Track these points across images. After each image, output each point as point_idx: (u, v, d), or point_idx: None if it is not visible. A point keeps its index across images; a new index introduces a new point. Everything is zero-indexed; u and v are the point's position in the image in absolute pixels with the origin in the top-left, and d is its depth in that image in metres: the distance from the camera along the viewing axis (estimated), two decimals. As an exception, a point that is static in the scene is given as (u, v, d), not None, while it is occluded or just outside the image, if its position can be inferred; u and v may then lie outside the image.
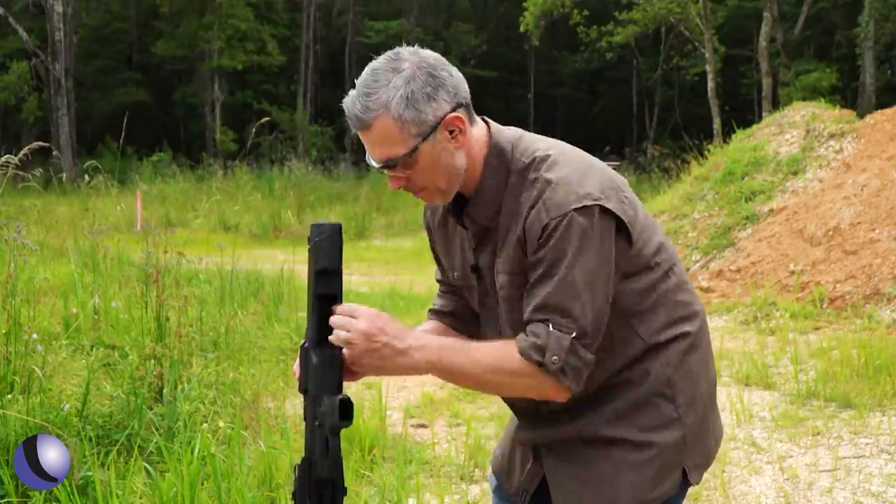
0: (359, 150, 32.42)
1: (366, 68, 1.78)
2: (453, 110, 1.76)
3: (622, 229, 1.77)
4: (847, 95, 27.46)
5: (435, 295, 2.12)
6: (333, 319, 1.74)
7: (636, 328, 1.84)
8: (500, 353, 1.77)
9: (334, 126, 32.23)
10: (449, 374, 1.79)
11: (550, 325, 1.72)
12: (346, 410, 1.74)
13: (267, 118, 11.75)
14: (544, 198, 1.74)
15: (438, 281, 2.09)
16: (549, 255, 1.73)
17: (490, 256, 1.87)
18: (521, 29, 27.04)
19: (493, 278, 1.88)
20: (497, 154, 1.83)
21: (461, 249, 1.94)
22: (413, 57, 1.76)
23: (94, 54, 33.09)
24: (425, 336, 1.81)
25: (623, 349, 1.84)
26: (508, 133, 1.88)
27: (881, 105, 17.99)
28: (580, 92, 37.77)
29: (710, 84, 22.49)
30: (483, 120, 1.88)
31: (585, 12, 28.01)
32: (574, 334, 1.71)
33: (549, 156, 1.81)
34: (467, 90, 1.81)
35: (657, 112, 33.66)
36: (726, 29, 30.29)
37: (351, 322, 1.72)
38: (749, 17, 30.09)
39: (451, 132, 1.77)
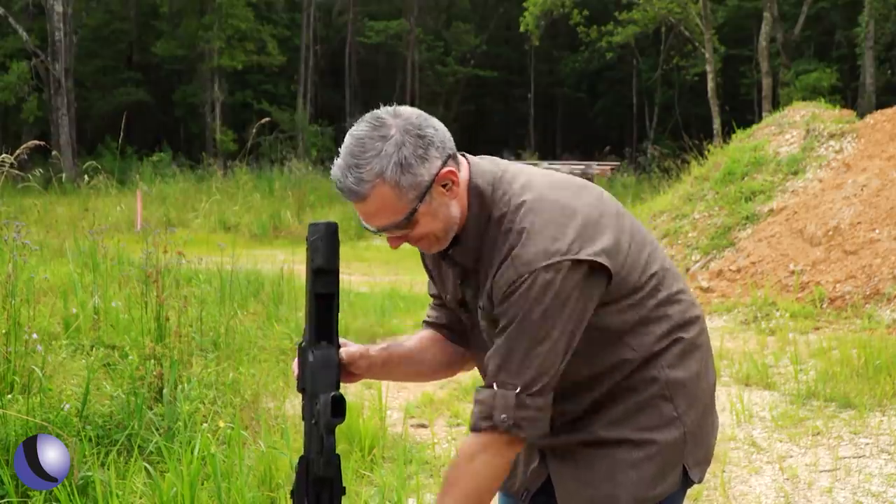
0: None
1: (347, 137, 1.75)
2: (444, 164, 1.76)
3: (600, 269, 1.76)
4: (847, 95, 27.47)
5: (428, 306, 2.12)
6: None
7: (629, 343, 1.85)
8: (456, 464, 1.80)
9: (334, 126, 32.24)
10: None
11: (495, 386, 1.75)
12: (338, 407, 1.75)
13: (267, 118, 11.75)
14: (514, 254, 1.74)
15: (431, 295, 2.10)
16: (510, 311, 1.74)
17: (474, 294, 1.89)
18: (521, 29, 27.05)
19: (476, 313, 1.90)
20: (476, 196, 1.82)
21: (452, 281, 1.96)
22: (397, 120, 1.74)
23: (94, 54, 33.09)
24: None
25: (618, 364, 1.85)
26: (488, 172, 1.84)
27: (881, 105, 18.00)
28: (580, 92, 37.76)
29: (710, 84, 22.49)
30: (463, 156, 1.86)
31: (585, 12, 28.03)
32: (518, 389, 1.73)
33: (524, 202, 1.78)
34: (451, 139, 1.80)
35: (657, 112, 33.66)
36: (726, 29, 30.28)
37: None
38: (749, 17, 30.10)
39: (444, 186, 1.77)
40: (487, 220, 1.81)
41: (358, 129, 1.74)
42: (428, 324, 2.10)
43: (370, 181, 1.71)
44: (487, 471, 1.78)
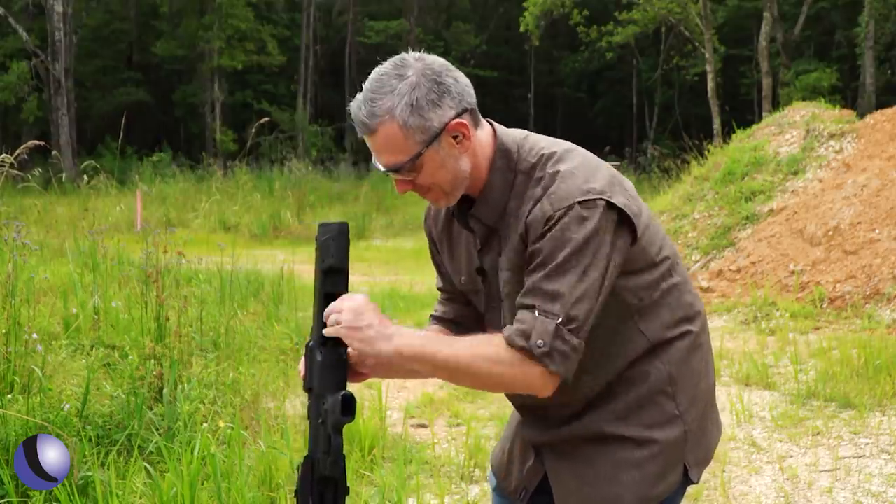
0: (359, 151, 32.44)
1: (372, 73, 1.79)
2: (458, 116, 1.78)
3: (627, 224, 1.77)
4: (847, 95, 27.48)
5: (436, 301, 2.12)
6: (332, 304, 1.77)
7: (639, 324, 1.85)
8: (484, 341, 1.77)
9: (334, 126, 32.24)
10: (432, 361, 1.76)
11: (536, 311, 1.72)
12: (348, 406, 1.75)
13: (267, 118, 11.76)
14: (549, 191, 1.76)
15: (440, 289, 2.10)
16: (548, 244, 1.73)
17: (495, 257, 1.88)
18: (521, 29, 27.05)
19: (497, 279, 1.88)
20: (503, 155, 1.85)
21: (467, 253, 1.95)
22: (418, 63, 1.77)
23: (94, 54, 33.10)
24: (409, 329, 1.82)
25: (626, 346, 1.85)
26: (514, 134, 1.89)
27: (881, 105, 18.01)
28: (580, 92, 37.77)
29: (710, 84, 22.49)
30: (489, 122, 1.89)
31: (585, 12, 28.03)
32: (560, 319, 1.71)
33: (555, 152, 1.83)
34: (473, 95, 1.82)
35: (657, 112, 33.67)
36: (726, 29, 30.29)
37: (343, 301, 1.76)
38: (749, 17, 30.11)
39: (455, 137, 1.79)
40: (514, 175, 1.83)
41: (381, 67, 1.78)
42: (435, 318, 2.10)
43: (380, 116, 1.74)
44: (503, 380, 1.75)
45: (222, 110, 30.65)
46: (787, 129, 12.15)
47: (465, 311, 2.05)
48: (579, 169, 1.79)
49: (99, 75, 33.11)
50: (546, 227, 1.74)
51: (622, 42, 29.30)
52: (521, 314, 1.74)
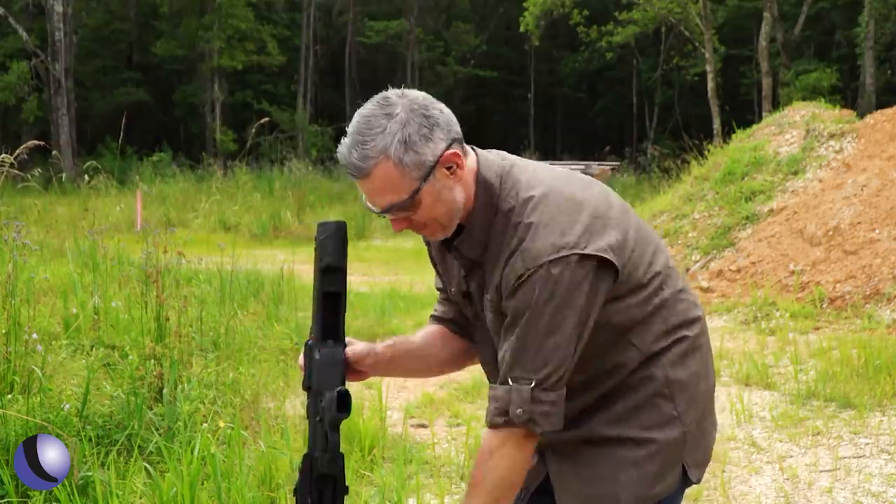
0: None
1: (355, 116, 1.77)
2: (449, 147, 1.77)
3: (607, 265, 1.76)
4: (847, 95, 27.47)
5: (436, 301, 2.13)
6: None
7: (632, 340, 1.85)
8: (477, 462, 1.82)
9: (334, 126, 32.23)
10: None
11: (510, 381, 1.76)
12: (343, 403, 1.76)
13: (267, 118, 11.76)
14: (522, 247, 1.75)
15: (438, 289, 2.10)
16: (517, 305, 1.75)
17: (479, 286, 1.89)
18: (521, 29, 27.05)
19: (481, 304, 1.90)
20: (484, 189, 1.83)
21: (456, 271, 1.96)
22: (403, 100, 1.76)
23: (94, 54, 33.09)
24: None
25: (621, 362, 1.86)
26: (496, 165, 1.86)
27: (881, 105, 18.00)
28: (580, 92, 37.76)
29: (710, 84, 22.49)
30: (472, 149, 1.88)
31: (585, 12, 28.03)
32: (532, 384, 1.74)
33: (531, 197, 1.79)
34: (457, 124, 1.81)
35: (657, 112, 33.66)
36: (726, 29, 30.29)
37: None
38: (749, 17, 30.10)
39: (448, 168, 1.78)
40: (495, 213, 1.82)
41: (365, 108, 1.77)
42: (435, 318, 2.10)
43: (374, 158, 1.72)
44: (508, 464, 1.79)
45: (222, 110, 30.65)
46: (787, 129, 12.15)
47: (464, 313, 2.06)
48: (555, 219, 1.75)
49: (99, 75, 33.10)
50: (516, 286, 1.75)
51: (622, 42, 29.29)
52: (496, 391, 1.78)
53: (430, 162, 1.75)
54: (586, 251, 1.73)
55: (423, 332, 2.10)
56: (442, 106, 1.80)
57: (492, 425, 1.78)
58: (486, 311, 1.88)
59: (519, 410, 1.74)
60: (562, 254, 1.72)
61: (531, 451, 1.81)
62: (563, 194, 1.80)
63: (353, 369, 1.93)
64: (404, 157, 1.72)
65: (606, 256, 1.75)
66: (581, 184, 1.86)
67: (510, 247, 1.78)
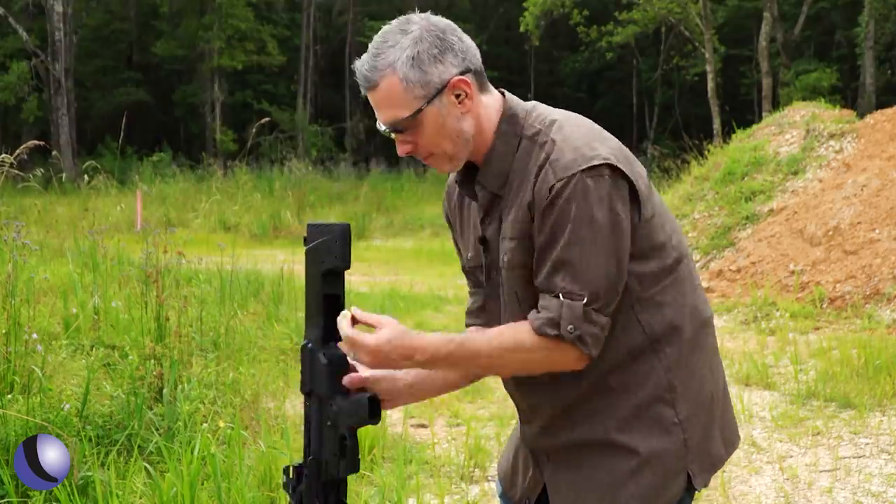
0: (358, 151, 32.44)
1: (379, 31, 1.79)
2: (461, 74, 1.76)
3: (633, 196, 1.73)
4: (847, 95, 27.48)
5: (467, 302, 2.07)
6: (346, 333, 1.74)
7: (638, 315, 1.79)
8: (515, 332, 1.75)
9: (334, 126, 32.23)
10: (468, 358, 1.76)
11: (560, 296, 1.70)
12: (374, 408, 1.74)
13: (267, 118, 11.75)
14: (552, 159, 1.72)
15: (464, 273, 2.04)
16: (556, 217, 1.70)
17: (497, 226, 1.84)
18: (521, 29, 27.05)
19: (498, 249, 1.84)
20: (509, 119, 1.82)
21: (473, 226, 1.92)
22: (423, 21, 1.76)
23: (94, 54, 33.10)
24: (433, 339, 1.77)
25: (623, 336, 1.79)
26: (522, 102, 1.87)
27: (881, 105, 18.01)
28: (580, 92, 37.76)
29: (710, 84, 22.49)
30: (500, 91, 1.87)
31: (585, 12, 28.03)
32: (585, 300, 1.69)
33: (557, 120, 1.80)
34: (478, 57, 1.80)
35: (657, 112, 33.67)
36: (726, 29, 30.29)
37: (363, 339, 1.71)
38: (749, 17, 30.11)
39: (457, 96, 1.76)
40: (519, 140, 1.80)
41: (387, 25, 1.78)
42: (469, 314, 2.04)
43: (381, 70, 1.72)
44: (542, 365, 1.75)
45: (222, 110, 30.66)
46: (787, 129, 12.15)
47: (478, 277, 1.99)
48: (584, 135, 1.75)
49: (99, 75, 33.11)
50: (551, 199, 1.70)
51: (622, 42, 29.30)
52: (545, 301, 1.72)
53: (437, 84, 1.73)
54: (619, 166, 1.71)
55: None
56: (464, 36, 1.79)
57: (539, 332, 1.71)
58: (504, 240, 1.81)
59: (570, 326, 1.69)
60: (593, 163, 1.69)
61: (570, 367, 1.75)
62: (589, 123, 1.82)
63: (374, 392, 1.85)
64: (410, 74, 1.72)
65: (635, 183, 1.73)
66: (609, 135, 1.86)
67: (538, 162, 1.74)
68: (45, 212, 10.60)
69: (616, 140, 1.82)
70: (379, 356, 1.71)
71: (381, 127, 1.79)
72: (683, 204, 11.82)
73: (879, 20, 25.50)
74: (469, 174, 1.87)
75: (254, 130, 9.62)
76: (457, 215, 1.99)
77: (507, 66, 37.22)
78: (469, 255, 1.95)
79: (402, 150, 1.81)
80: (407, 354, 1.71)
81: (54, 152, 13.99)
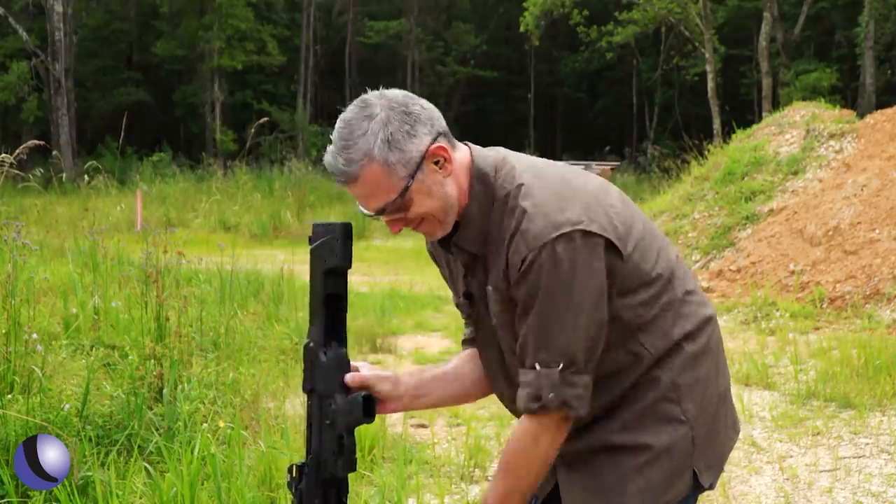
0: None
1: (338, 121, 1.76)
2: (434, 141, 1.75)
3: (610, 247, 1.73)
4: (847, 95, 27.48)
5: (464, 324, 2.09)
6: None
7: (641, 340, 1.81)
8: (513, 440, 1.80)
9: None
10: (508, 489, 1.81)
11: (537, 366, 1.72)
12: (369, 407, 1.75)
13: (267, 118, 11.75)
14: (522, 229, 1.72)
15: (456, 307, 2.06)
16: (528, 288, 1.71)
17: (481, 281, 1.86)
18: (521, 29, 27.06)
19: (484, 303, 1.87)
20: (479, 179, 1.81)
21: (458, 276, 1.94)
22: (382, 100, 1.75)
23: (94, 54, 33.10)
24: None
25: (631, 364, 1.82)
26: (490, 157, 1.84)
27: (881, 105, 18.01)
28: (580, 92, 37.78)
29: (710, 84, 22.50)
30: (465, 144, 1.86)
31: (585, 12, 28.05)
32: (560, 366, 1.71)
33: (525, 183, 1.78)
34: (442, 119, 1.79)
35: (657, 112, 33.68)
36: (726, 29, 30.30)
37: None
38: (749, 17, 30.12)
39: (436, 163, 1.76)
40: (492, 201, 1.80)
41: (345, 113, 1.76)
42: (466, 342, 2.06)
43: (359, 161, 1.71)
44: (552, 451, 1.78)
45: (222, 110, 30.66)
46: (787, 129, 12.15)
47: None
48: (551, 200, 1.73)
49: (99, 75, 33.12)
50: (523, 270, 1.71)
51: (622, 42, 29.32)
52: (524, 376, 1.75)
53: (416, 158, 1.73)
54: (590, 228, 1.71)
55: (455, 357, 2.07)
56: (423, 102, 1.78)
57: (527, 411, 1.74)
58: (490, 304, 1.84)
59: (552, 395, 1.71)
60: (563, 230, 1.69)
61: (566, 434, 1.79)
62: (559, 179, 1.80)
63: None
64: (389, 157, 1.71)
65: (608, 237, 1.72)
66: (578, 174, 1.85)
67: (510, 230, 1.75)
68: (45, 212, 10.61)
69: (588, 185, 1.80)
70: None
71: (367, 212, 1.78)
72: (683, 204, 11.82)
73: (879, 20, 25.50)
74: (446, 234, 1.86)
75: (254, 130, 9.62)
76: (441, 254, 2.00)
77: (507, 66, 37.25)
78: (459, 299, 1.96)
79: (394, 229, 1.82)
80: None
81: (54, 152, 14.01)
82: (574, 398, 1.72)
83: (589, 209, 1.74)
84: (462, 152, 1.83)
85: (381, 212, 1.76)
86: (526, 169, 1.81)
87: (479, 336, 1.95)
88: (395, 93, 1.77)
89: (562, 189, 1.77)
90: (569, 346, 1.71)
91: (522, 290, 1.73)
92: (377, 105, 1.73)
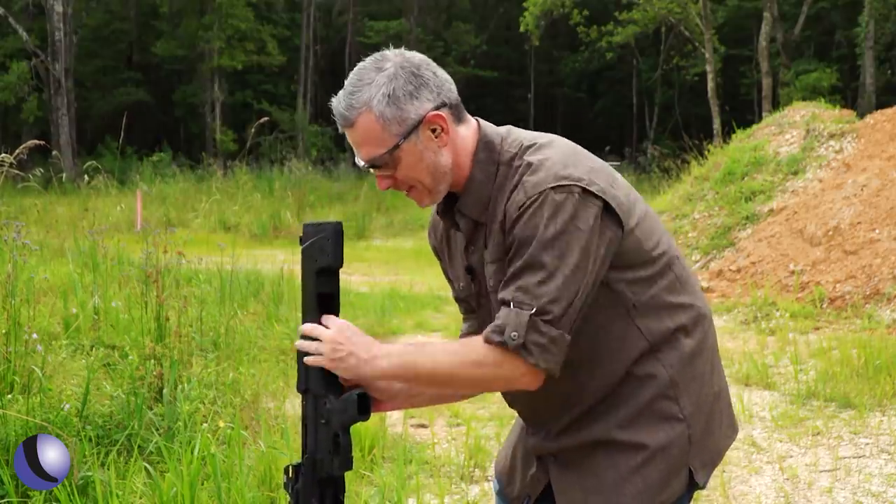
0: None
1: (353, 69, 1.80)
2: (436, 109, 1.77)
3: (610, 212, 1.73)
4: (847, 95, 27.48)
5: (462, 321, 2.10)
6: (303, 327, 1.77)
7: (636, 321, 1.80)
8: (464, 345, 1.77)
9: (334, 126, 32.12)
10: (415, 376, 1.77)
11: (511, 304, 1.71)
12: (364, 405, 1.75)
13: (267, 118, 11.75)
14: (524, 180, 1.74)
15: (456, 301, 2.06)
16: (521, 233, 1.72)
17: (481, 252, 1.86)
18: (521, 29, 27.06)
19: (484, 275, 1.86)
20: (485, 147, 1.83)
21: (460, 256, 1.94)
22: (397, 57, 1.78)
23: (94, 54, 33.10)
24: (392, 345, 1.81)
25: (625, 345, 1.81)
26: (498, 129, 1.88)
27: (881, 105, 18.01)
28: (580, 92, 37.77)
29: (710, 84, 22.50)
30: (475, 119, 1.88)
31: (585, 12, 28.04)
32: (533, 310, 1.68)
33: (535, 143, 1.81)
34: (453, 90, 1.81)
35: (657, 112, 33.67)
36: (726, 29, 30.30)
37: (319, 329, 1.75)
38: (749, 17, 30.11)
39: (433, 131, 1.78)
40: (497, 166, 1.82)
41: (361, 63, 1.80)
42: (463, 337, 2.04)
43: (357, 108, 1.75)
44: (487, 386, 1.79)
45: (222, 110, 30.65)
46: (787, 129, 12.16)
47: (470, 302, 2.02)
48: (558, 156, 1.76)
49: (99, 75, 33.11)
50: (519, 215, 1.72)
51: (622, 42, 29.30)
52: (500, 311, 1.73)
53: (413, 120, 1.75)
54: (591, 188, 1.71)
55: None
56: (439, 69, 1.80)
57: (486, 339, 1.71)
58: (486, 265, 1.84)
59: (514, 333, 1.68)
60: (564, 182, 1.70)
61: (516, 381, 1.74)
62: (567, 145, 1.83)
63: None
64: (385, 111, 1.73)
65: (610, 202, 1.73)
66: (590, 154, 1.86)
67: (512, 183, 1.77)
68: (45, 212, 10.60)
69: (595, 160, 1.82)
70: (336, 346, 1.72)
71: (360, 163, 1.80)
72: (683, 204, 11.82)
73: (879, 20, 25.49)
74: (450, 204, 1.88)
75: (254, 130, 9.62)
76: (444, 247, 2.00)
77: (507, 66, 37.25)
78: (461, 284, 1.96)
79: (381, 184, 1.84)
80: (366, 345, 1.73)
81: (54, 152, 14.00)
82: (535, 345, 1.69)
83: (593, 173, 1.75)
84: (470, 126, 1.85)
85: (369, 163, 1.79)
86: (534, 135, 1.85)
87: (479, 315, 1.94)
88: (413, 54, 1.80)
89: (569, 153, 1.80)
90: (547, 294, 1.69)
91: (516, 234, 1.73)
92: (391, 60, 1.77)
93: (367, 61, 1.78)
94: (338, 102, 1.78)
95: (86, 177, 8.41)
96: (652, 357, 1.82)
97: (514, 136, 1.85)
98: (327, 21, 37.30)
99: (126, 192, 15.75)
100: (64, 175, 13.39)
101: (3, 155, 4.96)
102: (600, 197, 1.72)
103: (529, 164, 1.76)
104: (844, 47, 29.87)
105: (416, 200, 1.86)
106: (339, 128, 1.80)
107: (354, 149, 1.80)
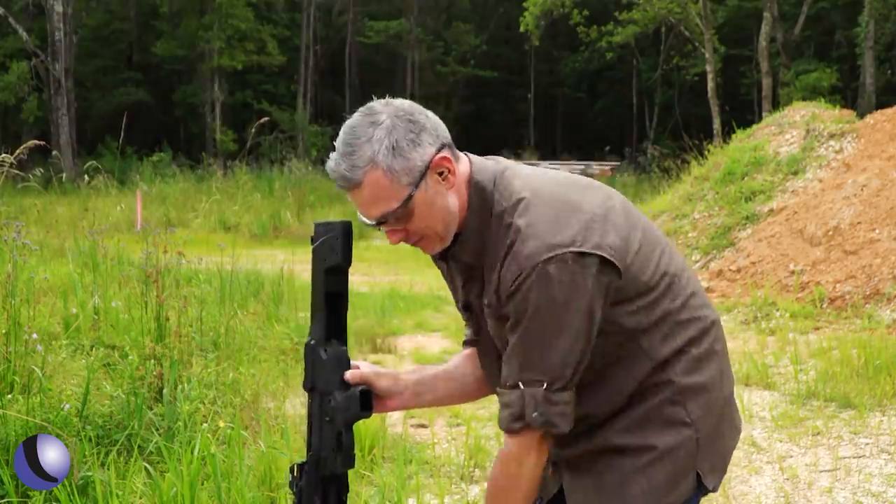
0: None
1: (343, 127, 1.75)
2: (438, 151, 1.74)
3: (606, 264, 1.72)
4: (847, 95, 27.48)
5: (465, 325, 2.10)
6: None
7: (641, 345, 1.80)
8: (498, 466, 1.81)
9: (334, 126, 32.17)
10: None
11: (521, 385, 1.73)
12: (366, 401, 1.77)
13: (267, 118, 11.74)
14: (515, 250, 1.71)
15: (459, 309, 2.06)
16: (517, 309, 1.71)
17: (478, 293, 1.86)
18: (521, 29, 27.07)
19: (482, 314, 1.87)
20: (478, 193, 1.80)
21: (457, 285, 1.94)
22: (388, 108, 1.74)
23: (94, 54, 33.11)
24: None
25: (632, 368, 1.81)
26: (490, 169, 1.83)
27: (881, 105, 18.00)
28: (580, 92, 37.79)
29: (710, 84, 22.50)
30: (465, 155, 1.85)
31: (585, 12, 28.06)
32: (544, 385, 1.71)
33: (523, 199, 1.76)
34: (446, 129, 1.79)
35: (657, 112, 33.68)
36: (726, 29, 30.31)
37: None
38: (749, 17, 30.12)
39: (440, 174, 1.75)
40: (489, 215, 1.78)
41: (350, 120, 1.75)
42: (467, 343, 2.05)
43: (363, 167, 1.69)
44: (538, 471, 1.79)
45: (222, 110, 30.66)
46: (787, 129, 12.16)
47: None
48: (547, 217, 1.72)
49: (99, 75, 33.12)
50: (513, 289, 1.71)
51: (622, 42, 29.32)
52: (506, 397, 1.75)
53: (420, 167, 1.71)
54: (582, 249, 1.69)
55: (454, 357, 2.07)
56: (428, 112, 1.77)
57: (509, 431, 1.75)
58: (486, 317, 1.84)
59: (535, 414, 1.71)
60: (556, 252, 1.68)
61: (548, 451, 1.80)
62: (557, 197, 1.77)
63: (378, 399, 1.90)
64: (393, 164, 1.69)
65: (603, 254, 1.71)
66: (579, 188, 1.82)
67: (503, 248, 1.74)
68: (45, 212, 10.60)
69: (585, 201, 1.77)
70: None
71: (367, 221, 1.76)
72: (683, 204, 11.82)
73: (879, 20, 25.50)
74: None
75: (254, 130, 9.61)
76: (443, 265, 1.99)
77: (507, 66, 37.26)
78: (460, 305, 1.97)
79: (393, 239, 1.79)
80: None
81: (54, 152, 14.01)
82: (557, 416, 1.72)
83: (585, 228, 1.72)
84: (463, 163, 1.82)
85: (382, 221, 1.74)
86: (524, 184, 1.79)
87: (480, 340, 1.95)
88: (401, 102, 1.76)
89: (559, 207, 1.75)
90: (554, 365, 1.71)
91: (512, 309, 1.73)
92: (383, 112, 1.72)
93: (357, 118, 1.73)
94: (336, 165, 1.71)
95: (86, 177, 8.41)
96: (660, 370, 1.83)
97: (505, 182, 1.80)
98: (327, 21, 37.31)
99: (126, 192, 15.75)
100: (64, 175, 13.40)
101: (4, 155, 4.96)
102: (594, 254, 1.70)
103: (518, 231, 1.72)
104: (844, 47, 29.87)
105: (426, 248, 1.82)
106: (340, 189, 1.75)
107: (360, 208, 1.75)
